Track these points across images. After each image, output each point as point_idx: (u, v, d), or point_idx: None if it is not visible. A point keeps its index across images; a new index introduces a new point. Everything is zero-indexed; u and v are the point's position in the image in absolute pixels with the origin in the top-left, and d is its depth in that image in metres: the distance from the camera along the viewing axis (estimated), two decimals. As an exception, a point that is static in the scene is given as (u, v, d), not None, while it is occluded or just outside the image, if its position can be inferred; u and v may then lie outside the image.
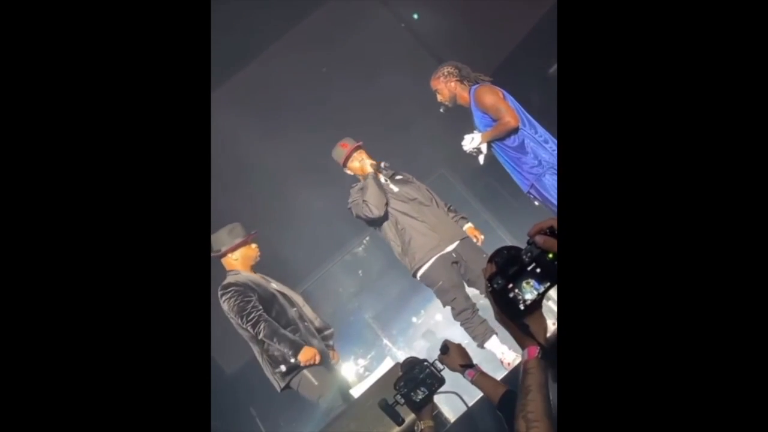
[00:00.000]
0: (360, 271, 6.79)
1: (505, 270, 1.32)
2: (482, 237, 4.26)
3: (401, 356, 6.03)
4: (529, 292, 1.31)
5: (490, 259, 1.36)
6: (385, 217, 4.07)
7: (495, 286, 1.32)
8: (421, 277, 4.04)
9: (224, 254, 4.06)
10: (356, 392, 4.14)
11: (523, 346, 1.37)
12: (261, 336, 3.78)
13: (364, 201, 4.04)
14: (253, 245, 4.19)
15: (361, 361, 6.31)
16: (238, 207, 5.53)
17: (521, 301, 1.31)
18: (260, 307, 3.84)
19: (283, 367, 3.79)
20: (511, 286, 1.31)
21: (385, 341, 6.42)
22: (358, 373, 6.05)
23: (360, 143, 4.30)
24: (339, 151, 4.28)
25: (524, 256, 1.31)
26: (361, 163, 4.23)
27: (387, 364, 4.33)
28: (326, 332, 4.13)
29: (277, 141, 5.79)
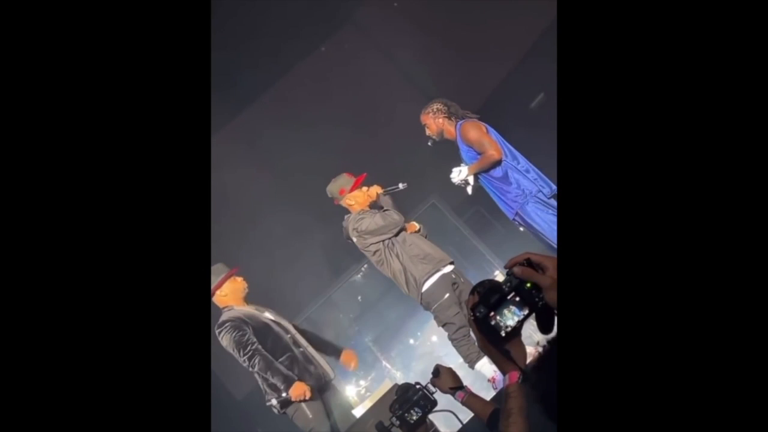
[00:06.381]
0: (359, 297, 6.79)
1: (487, 299, 1.32)
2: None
3: (400, 377, 6.02)
4: (510, 318, 1.30)
5: (472, 291, 1.36)
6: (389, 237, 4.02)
7: (477, 314, 1.32)
8: (425, 293, 3.92)
9: (213, 293, 4.04)
10: (358, 412, 4.14)
11: (504, 372, 1.38)
12: (255, 369, 3.78)
13: (385, 211, 4.01)
14: (239, 278, 4.16)
15: (362, 383, 6.28)
16: (237, 243, 5.53)
17: (503, 328, 1.31)
18: (254, 341, 3.83)
19: (274, 401, 3.81)
20: (492, 314, 1.31)
21: (385, 363, 6.39)
22: (360, 394, 6.02)
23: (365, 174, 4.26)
24: (345, 180, 4.20)
25: (504, 286, 1.31)
26: (363, 192, 4.17)
27: (386, 385, 4.32)
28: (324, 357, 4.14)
29: (274, 177, 5.83)
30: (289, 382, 3.76)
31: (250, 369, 3.81)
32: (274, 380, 3.76)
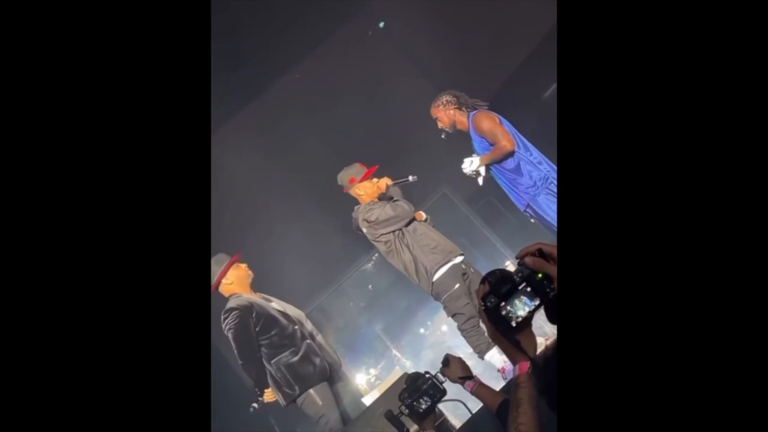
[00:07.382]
0: (370, 286, 6.78)
1: (497, 289, 1.31)
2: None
3: (409, 366, 6.03)
4: (521, 309, 1.30)
5: (483, 280, 1.35)
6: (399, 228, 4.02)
7: (488, 304, 1.32)
8: (435, 282, 3.90)
9: (218, 282, 3.99)
10: (367, 401, 4.15)
11: (514, 362, 1.36)
12: (240, 361, 3.83)
13: (395, 201, 4.00)
14: (242, 265, 4.10)
15: (372, 371, 6.29)
16: (246, 233, 5.54)
17: (513, 318, 1.30)
18: (254, 337, 3.82)
19: (255, 405, 3.85)
20: (503, 304, 1.31)
21: (395, 352, 6.40)
22: (370, 382, 6.04)
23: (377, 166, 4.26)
24: (356, 170, 4.20)
25: (515, 276, 1.30)
26: (373, 183, 4.17)
27: (396, 374, 4.33)
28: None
29: (283, 167, 5.83)
30: (261, 387, 3.83)
31: (238, 356, 3.83)
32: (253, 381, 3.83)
